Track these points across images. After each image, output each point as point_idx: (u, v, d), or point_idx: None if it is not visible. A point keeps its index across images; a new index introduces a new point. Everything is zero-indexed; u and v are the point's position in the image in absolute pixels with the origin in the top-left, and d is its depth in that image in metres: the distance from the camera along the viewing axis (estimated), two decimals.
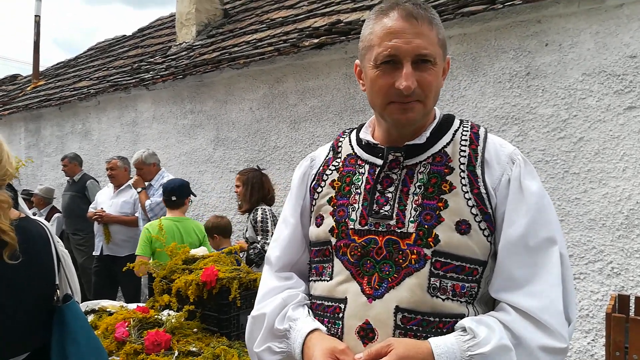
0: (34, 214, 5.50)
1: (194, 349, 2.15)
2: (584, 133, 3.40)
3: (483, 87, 3.83)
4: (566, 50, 3.48)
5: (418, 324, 1.08)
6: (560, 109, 3.50)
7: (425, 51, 1.10)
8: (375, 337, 1.10)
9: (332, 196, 1.24)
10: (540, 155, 3.56)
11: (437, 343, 1.03)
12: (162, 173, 4.87)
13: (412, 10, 1.11)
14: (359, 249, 1.15)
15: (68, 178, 5.96)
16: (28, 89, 9.19)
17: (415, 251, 1.10)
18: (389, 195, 1.16)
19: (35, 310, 1.50)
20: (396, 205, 1.14)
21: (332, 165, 1.28)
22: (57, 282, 1.57)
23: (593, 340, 3.33)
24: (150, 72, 6.31)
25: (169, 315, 2.36)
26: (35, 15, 9.07)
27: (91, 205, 5.33)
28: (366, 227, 1.16)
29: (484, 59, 3.83)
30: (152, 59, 6.88)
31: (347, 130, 1.35)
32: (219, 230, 4.08)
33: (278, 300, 1.24)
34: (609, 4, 3.30)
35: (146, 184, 4.83)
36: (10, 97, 9.32)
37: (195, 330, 2.35)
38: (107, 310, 2.61)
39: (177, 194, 3.87)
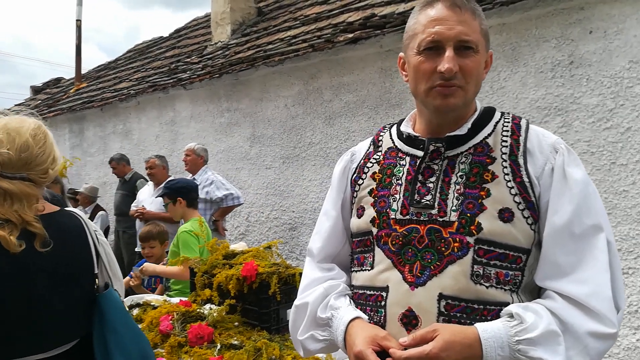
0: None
1: (235, 342, 2.18)
2: (632, 123, 3.27)
3: (524, 77, 3.73)
4: (611, 38, 3.35)
5: (462, 311, 1.09)
6: (606, 98, 3.37)
7: (467, 37, 1.13)
8: (419, 324, 1.11)
9: (373, 188, 1.26)
10: (585, 146, 3.44)
11: (484, 328, 1.04)
12: (206, 169, 5.00)
13: (455, 0, 1.15)
14: (401, 238, 1.17)
15: (120, 178, 6.14)
16: (71, 91, 9.51)
17: (457, 239, 1.11)
18: (431, 185, 1.17)
19: (73, 300, 1.50)
20: (438, 194, 1.16)
21: (373, 158, 1.31)
22: (97, 272, 1.57)
23: None
24: (187, 72, 6.43)
25: (210, 309, 2.40)
26: (76, 20, 9.37)
27: (133, 204, 5.48)
28: (407, 216, 1.17)
29: (525, 49, 3.73)
30: (188, 59, 7.00)
31: (387, 125, 1.38)
32: (162, 236, 3.89)
33: (320, 290, 1.28)
34: None
35: (191, 177, 4.97)
36: (54, 99, 9.68)
37: (236, 323, 2.38)
38: (152, 304, 2.67)
39: (198, 193, 3.78)
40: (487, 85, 3.89)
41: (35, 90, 11.39)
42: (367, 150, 1.34)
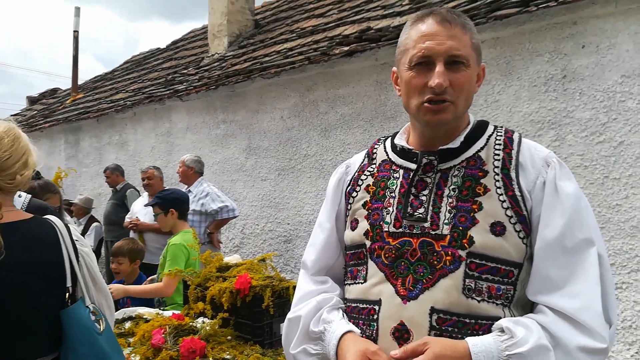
0: (74, 223, 5.61)
1: (228, 357, 2.16)
2: (624, 137, 3.29)
3: (518, 91, 3.76)
4: (604, 52, 3.39)
5: (453, 325, 1.09)
6: (599, 112, 3.40)
7: (457, 52, 1.14)
8: (411, 337, 1.11)
9: (366, 200, 1.26)
10: (578, 160, 3.46)
11: (474, 342, 1.04)
12: (201, 181, 4.98)
13: (445, 15, 1.16)
14: (394, 251, 1.17)
15: (112, 188, 6.15)
16: (67, 102, 9.51)
17: (449, 252, 1.12)
18: (423, 198, 1.18)
19: (36, 315, 1.41)
20: (430, 207, 1.16)
21: (367, 171, 1.31)
22: (69, 285, 1.47)
23: (637, 352, 3.20)
24: (184, 84, 6.45)
25: (203, 322, 2.38)
26: (74, 31, 9.40)
27: (127, 215, 5.46)
28: (400, 229, 1.18)
29: (518, 63, 3.76)
30: (185, 71, 7.02)
31: (382, 138, 1.38)
32: (133, 254, 3.70)
33: (313, 303, 1.27)
34: None
35: (186, 188, 4.96)
36: (50, 110, 9.67)
37: (229, 337, 2.36)
38: (144, 317, 2.65)
39: (189, 205, 3.64)
40: (482, 98, 3.92)
41: (32, 100, 11.38)
42: (362, 162, 1.35)
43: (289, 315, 1.32)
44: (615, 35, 3.34)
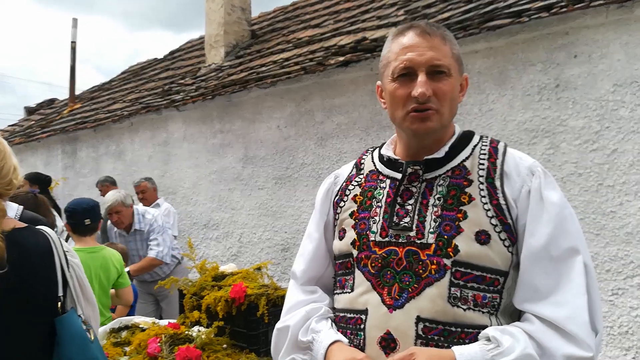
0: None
1: None
2: (617, 145, 3.32)
3: (511, 100, 3.80)
4: (596, 62, 3.43)
5: (439, 333, 1.10)
6: (592, 121, 3.43)
7: (438, 62, 1.16)
8: (397, 347, 1.12)
9: (354, 210, 1.27)
10: (572, 168, 3.49)
11: (460, 352, 1.05)
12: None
13: (425, 27, 1.19)
14: (380, 260, 1.18)
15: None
16: (64, 112, 9.53)
17: (435, 261, 1.12)
18: (409, 207, 1.19)
19: (30, 326, 1.42)
20: (416, 217, 1.17)
21: (355, 181, 1.32)
22: (60, 294, 1.48)
23: (633, 358, 3.20)
24: (181, 94, 6.48)
25: (199, 331, 2.39)
26: (71, 42, 9.44)
27: None
28: (387, 238, 1.19)
29: (512, 72, 3.80)
30: (182, 81, 7.06)
31: (370, 149, 1.40)
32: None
33: (302, 313, 1.28)
34: (638, 14, 3.24)
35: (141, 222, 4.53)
36: (47, 120, 9.68)
37: (224, 346, 2.37)
38: (140, 326, 2.65)
39: (91, 216, 3.16)
40: (476, 107, 3.95)
41: (29, 111, 11.39)
42: (350, 173, 1.36)
43: (278, 325, 1.32)
44: (606, 45, 3.39)
